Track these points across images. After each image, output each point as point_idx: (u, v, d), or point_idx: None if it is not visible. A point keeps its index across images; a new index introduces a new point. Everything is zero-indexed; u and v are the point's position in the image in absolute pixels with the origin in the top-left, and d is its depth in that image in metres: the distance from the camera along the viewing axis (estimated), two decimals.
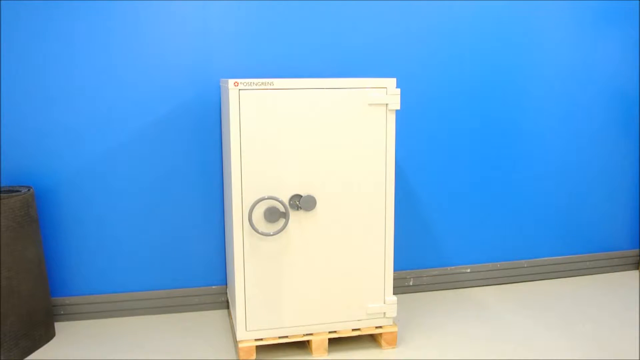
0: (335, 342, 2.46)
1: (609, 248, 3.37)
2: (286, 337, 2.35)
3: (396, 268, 3.00)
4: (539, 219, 3.21)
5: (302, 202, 2.24)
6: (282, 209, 2.23)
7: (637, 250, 3.42)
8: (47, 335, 2.50)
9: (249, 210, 2.19)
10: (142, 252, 2.74)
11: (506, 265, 3.18)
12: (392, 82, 2.26)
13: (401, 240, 2.97)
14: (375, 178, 2.32)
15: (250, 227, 2.22)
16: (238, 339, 2.31)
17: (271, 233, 2.22)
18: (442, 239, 3.06)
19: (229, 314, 2.74)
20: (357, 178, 2.30)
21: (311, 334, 2.37)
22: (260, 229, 2.23)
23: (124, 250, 2.72)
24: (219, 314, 2.81)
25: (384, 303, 2.41)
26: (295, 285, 2.32)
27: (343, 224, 2.31)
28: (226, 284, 2.85)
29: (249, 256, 2.25)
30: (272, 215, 2.22)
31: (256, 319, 2.31)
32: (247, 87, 2.13)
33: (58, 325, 2.64)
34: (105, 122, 2.61)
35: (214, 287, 2.84)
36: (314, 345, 2.36)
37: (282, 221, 2.24)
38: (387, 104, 2.27)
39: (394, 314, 2.43)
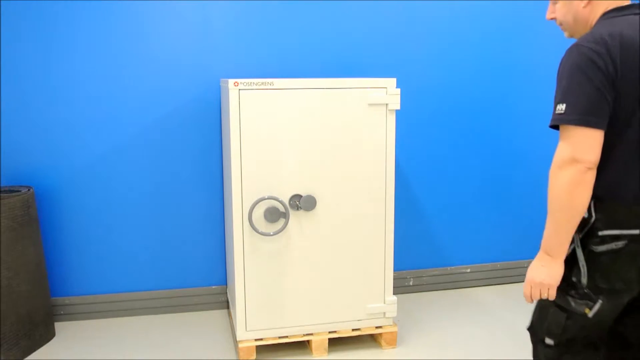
0: (335, 342, 2.46)
1: None
2: (286, 337, 2.35)
3: (396, 268, 3.00)
4: (539, 219, 3.20)
5: (302, 202, 2.24)
6: (282, 209, 2.23)
7: None
8: (47, 335, 2.50)
9: (249, 210, 2.19)
10: (142, 252, 2.74)
11: (506, 265, 3.18)
12: (392, 82, 2.26)
13: (401, 240, 2.97)
14: (375, 178, 2.32)
15: (251, 227, 2.22)
16: (238, 339, 2.31)
17: (271, 233, 2.22)
18: (442, 239, 3.06)
19: (229, 314, 2.74)
20: (357, 178, 2.29)
21: (311, 334, 2.37)
22: (260, 229, 2.23)
23: (124, 250, 2.72)
24: (219, 314, 2.80)
25: (384, 303, 2.41)
26: (295, 285, 2.32)
27: (343, 224, 2.31)
28: (226, 284, 2.85)
29: (249, 256, 2.25)
30: (272, 215, 2.22)
31: (256, 319, 2.30)
32: (247, 87, 2.13)
33: (58, 325, 2.64)
34: (105, 122, 2.61)
35: (214, 287, 2.84)
36: (314, 345, 2.36)
37: (282, 221, 2.24)
38: (387, 104, 2.27)
39: (394, 314, 2.43)
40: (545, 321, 1.48)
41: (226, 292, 2.85)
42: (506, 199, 3.12)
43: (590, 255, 1.38)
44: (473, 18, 2.90)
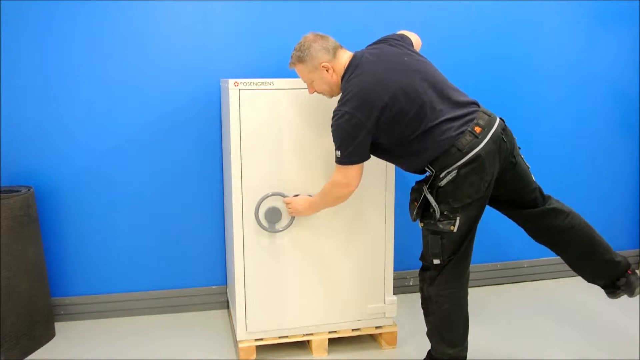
0: (335, 342, 2.46)
1: None
2: (286, 337, 2.35)
3: (396, 268, 2.99)
4: None
5: None
6: (284, 209, 2.23)
7: (637, 250, 3.41)
8: (47, 335, 2.50)
9: (256, 207, 2.18)
10: (142, 251, 2.74)
11: (506, 266, 3.18)
12: None
13: (401, 240, 2.96)
14: (376, 177, 2.32)
15: (257, 225, 2.20)
16: (238, 339, 2.31)
17: (280, 229, 2.21)
18: None
19: (229, 314, 2.74)
20: None
21: (311, 334, 2.37)
22: (269, 227, 2.22)
23: (124, 250, 2.72)
24: (219, 314, 2.80)
25: (384, 303, 2.41)
26: (296, 285, 2.31)
27: (344, 223, 2.31)
28: (226, 284, 2.85)
29: (249, 256, 2.25)
30: (274, 215, 2.22)
31: (256, 319, 2.30)
32: (247, 87, 2.13)
33: (58, 325, 2.64)
34: (105, 122, 2.61)
35: (214, 287, 2.84)
36: (314, 345, 2.36)
37: (285, 219, 2.24)
38: None
39: (394, 314, 2.43)
40: (428, 247, 2.01)
41: (226, 292, 2.85)
42: None
43: (439, 191, 1.95)
44: (474, 18, 2.90)
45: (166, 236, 2.75)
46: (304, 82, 2.09)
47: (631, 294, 2.18)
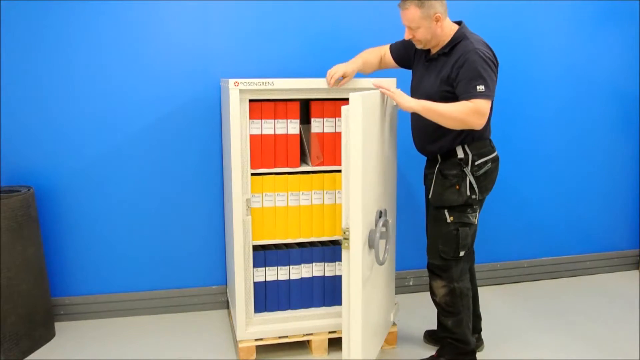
0: (335, 342, 2.45)
1: (609, 248, 3.36)
2: (286, 337, 2.34)
3: (396, 268, 2.99)
4: (539, 219, 3.20)
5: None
6: (383, 229, 2.02)
7: (637, 250, 3.41)
8: (47, 335, 2.50)
9: (375, 240, 1.97)
10: (143, 252, 2.74)
11: (506, 265, 3.18)
12: (392, 82, 2.25)
13: (401, 240, 2.96)
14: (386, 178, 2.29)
15: (375, 257, 1.99)
16: (238, 339, 2.31)
17: (382, 260, 2.03)
18: None
19: (229, 314, 2.74)
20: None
21: (311, 334, 2.37)
22: (381, 257, 2.03)
23: (124, 250, 2.72)
24: (219, 314, 2.80)
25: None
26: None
27: None
28: (226, 284, 2.85)
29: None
30: (373, 240, 2.00)
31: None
32: (247, 87, 2.13)
33: (58, 325, 2.64)
34: (105, 122, 2.61)
35: (214, 287, 2.84)
36: (314, 345, 2.36)
37: (382, 243, 2.04)
38: (395, 104, 2.26)
39: (395, 315, 2.43)
40: (456, 240, 2.09)
41: (226, 292, 2.85)
42: (506, 199, 3.12)
43: (475, 179, 2.08)
44: (476, 18, 2.90)
45: (166, 236, 2.75)
46: (407, 25, 2.08)
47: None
